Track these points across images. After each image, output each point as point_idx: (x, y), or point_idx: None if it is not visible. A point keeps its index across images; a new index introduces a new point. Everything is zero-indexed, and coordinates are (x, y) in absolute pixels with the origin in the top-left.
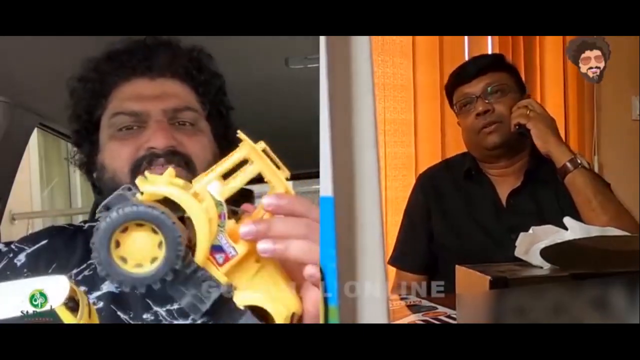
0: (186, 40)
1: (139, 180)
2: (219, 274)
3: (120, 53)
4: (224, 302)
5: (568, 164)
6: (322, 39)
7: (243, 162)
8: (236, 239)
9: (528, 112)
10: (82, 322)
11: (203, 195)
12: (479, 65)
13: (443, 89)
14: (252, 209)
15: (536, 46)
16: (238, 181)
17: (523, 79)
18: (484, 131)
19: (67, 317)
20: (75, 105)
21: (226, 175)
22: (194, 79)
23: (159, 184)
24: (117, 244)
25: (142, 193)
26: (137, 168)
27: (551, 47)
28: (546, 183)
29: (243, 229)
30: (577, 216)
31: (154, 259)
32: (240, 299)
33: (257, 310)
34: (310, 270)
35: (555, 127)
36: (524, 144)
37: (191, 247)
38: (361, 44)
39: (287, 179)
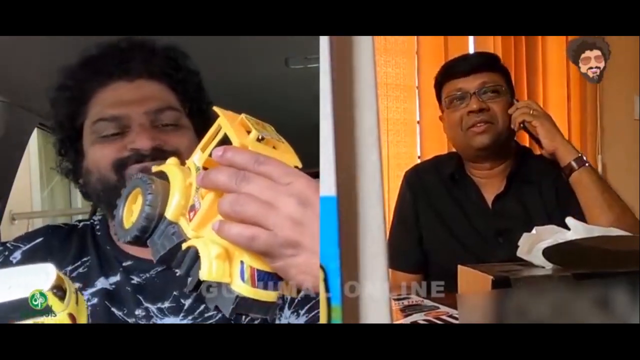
0: (161, 40)
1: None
2: (188, 228)
3: (95, 59)
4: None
5: (573, 163)
6: (324, 39)
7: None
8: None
9: (531, 111)
10: (69, 309)
11: (190, 165)
12: (477, 62)
13: None
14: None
15: (538, 46)
16: (211, 147)
17: (525, 79)
18: (473, 130)
19: (55, 304)
20: (57, 115)
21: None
22: (172, 78)
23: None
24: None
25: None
26: (122, 166)
27: (554, 46)
28: (530, 184)
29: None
30: (563, 215)
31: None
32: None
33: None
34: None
35: (558, 127)
36: (509, 147)
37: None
38: (364, 43)
39: (260, 140)
